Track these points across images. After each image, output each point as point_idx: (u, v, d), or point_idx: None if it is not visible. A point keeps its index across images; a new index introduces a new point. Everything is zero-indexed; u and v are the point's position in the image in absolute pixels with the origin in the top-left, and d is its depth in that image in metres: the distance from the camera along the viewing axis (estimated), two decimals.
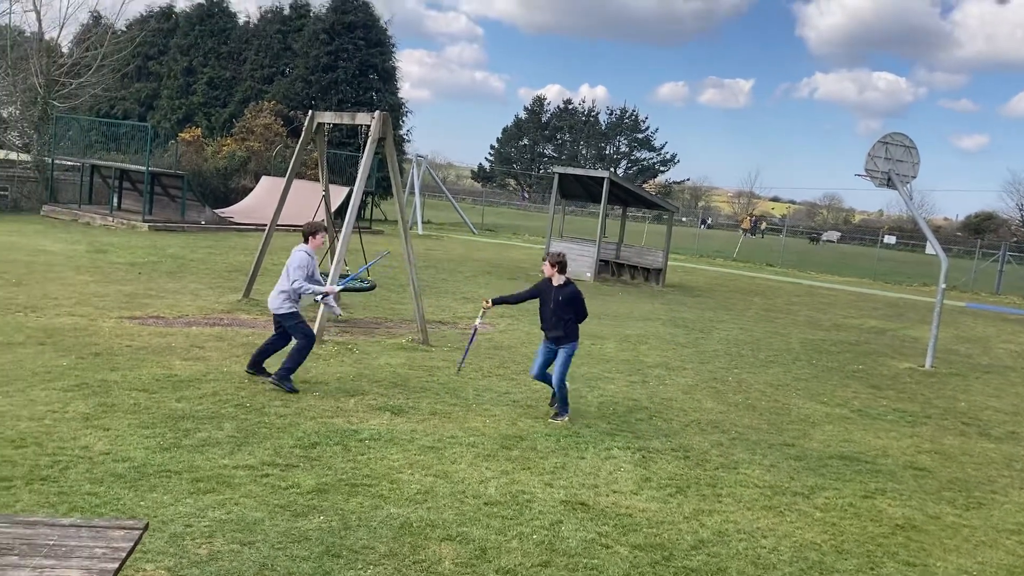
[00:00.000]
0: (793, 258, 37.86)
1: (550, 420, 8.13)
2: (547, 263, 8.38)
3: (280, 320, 8.40)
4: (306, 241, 8.60)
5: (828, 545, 5.83)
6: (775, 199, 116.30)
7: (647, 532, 5.71)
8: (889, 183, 13.83)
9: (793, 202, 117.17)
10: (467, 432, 7.50)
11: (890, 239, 66.43)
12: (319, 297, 8.80)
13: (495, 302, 8.70)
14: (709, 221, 75.28)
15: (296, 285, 8.29)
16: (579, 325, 8.45)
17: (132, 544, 3.48)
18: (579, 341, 8.45)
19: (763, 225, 65.51)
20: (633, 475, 6.82)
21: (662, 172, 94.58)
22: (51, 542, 3.38)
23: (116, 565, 3.29)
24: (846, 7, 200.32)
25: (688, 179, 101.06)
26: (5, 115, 29.20)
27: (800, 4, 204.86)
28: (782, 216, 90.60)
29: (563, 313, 8.23)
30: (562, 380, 8.19)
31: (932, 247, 14.42)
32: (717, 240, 48.80)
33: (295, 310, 8.39)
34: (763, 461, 7.57)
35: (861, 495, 6.92)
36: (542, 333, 8.45)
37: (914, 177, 14.20)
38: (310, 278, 8.43)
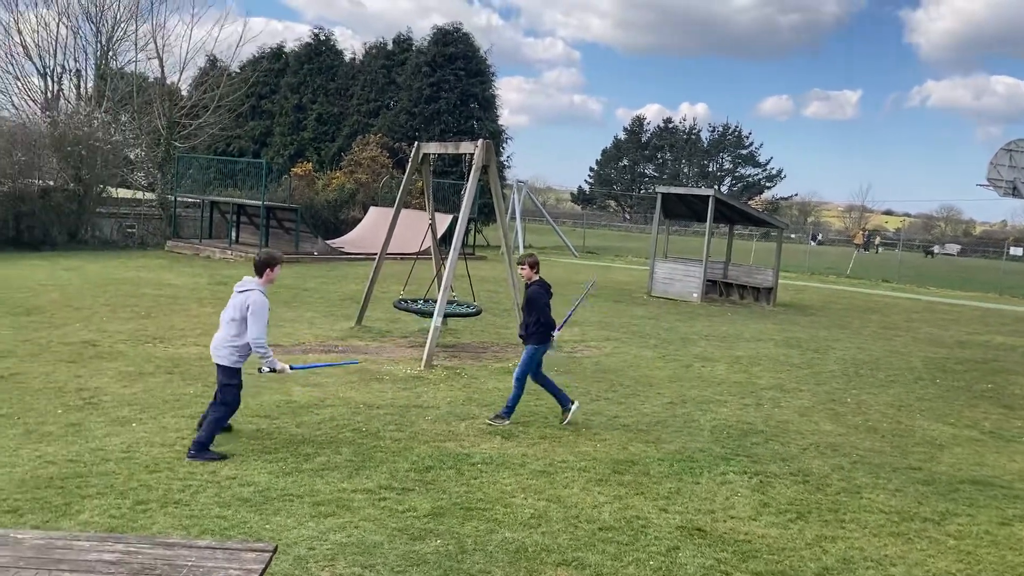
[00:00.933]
0: (910, 273, 36.40)
1: (487, 420, 8.25)
2: (525, 268, 8.48)
3: (219, 369, 6.96)
4: (260, 274, 7.03)
5: (964, 575, 5.55)
6: (888, 212, 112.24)
7: (767, 559, 5.56)
8: (1015, 192, 13.18)
9: (908, 215, 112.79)
10: (578, 456, 7.48)
11: (1016, 251, 62.99)
12: (266, 369, 7.11)
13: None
14: (820, 237, 73.14)
15: (260, 350, 6.88)
16: (545, 330, 8.32)
17: (263, 566, 3.61)
18: (546, 346, 8.40)
19: (877, 240, 63.11)
20: (751, 500, 6.66)
21: (768, 188, 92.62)
22: (190, 563, 3.54)
23: None
24: (958, 11, 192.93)
25: (796, 194, 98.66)
26: (132, 157, 30.95)
27: (908, 11, 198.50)
28: (896, 230, 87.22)
29: (527, 313, 8.37)
30: (518, 377, 8.33)
31: None
32: (829, 256, 47.38)
33: (240, 367, 6.98)
34: (888, 485, 7.27)
35: (998, 522, 6.56)
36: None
37: None
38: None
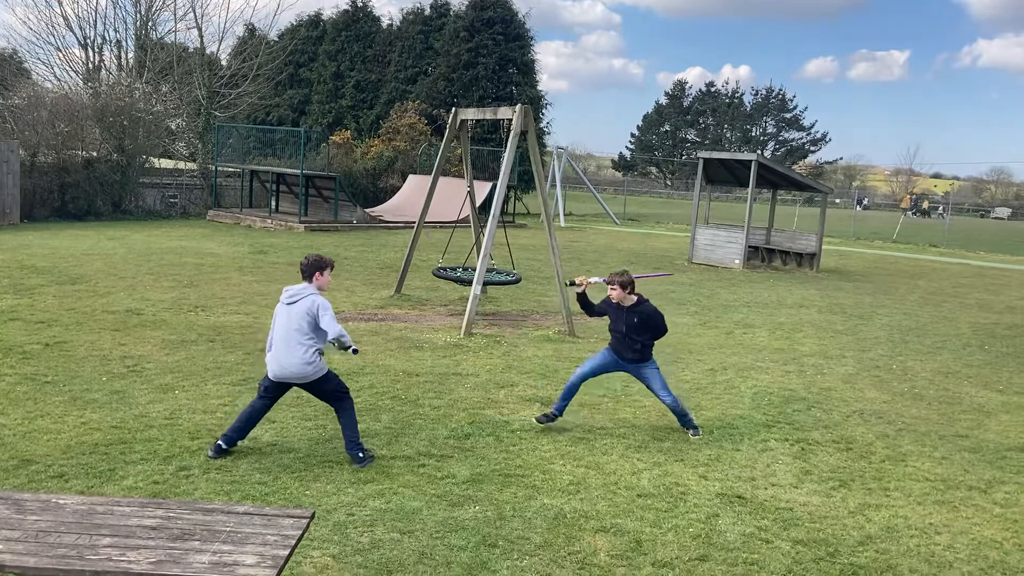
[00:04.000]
0: (959, 238, 35.58)
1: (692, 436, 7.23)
2: (616, 287, 7.11)
3: (314, 386, 6.22)
4: (310, 279, 6.23)
5: (1011, 543, 5.42)
6: (937, 176, 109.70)
7: (809, 527, 5.49)
8: None
9: (957, 178, 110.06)
10: (617, 423, 7.44)
11: None
12: (352, 347, 6.17)
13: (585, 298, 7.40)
14: (865, 201, 71.61)
15: (346, 339, 6.09)
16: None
17: (301, 532, 3.63)
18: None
19: (925, 204, 61.43)
20: (792, 468, 6.57)
21: (812, 152, 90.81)
22: (228, 528, 3.57)
23: (287, 552, 3.43)
24: None
25: (841, 158, 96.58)
26: (173, 127, 31.23)
27: None
28: (945, 193, 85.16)
29: (638, 335, 7.16)
30: (674, 398, 7.30)
31: None
32: (875, 221, 46.49)
33: (328, 369, 6.30)
34: (933, 453, 7.13)
35: None
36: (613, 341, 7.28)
37: None
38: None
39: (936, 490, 6.29)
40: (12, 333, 9.41)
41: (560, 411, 7.25)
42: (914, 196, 65.93)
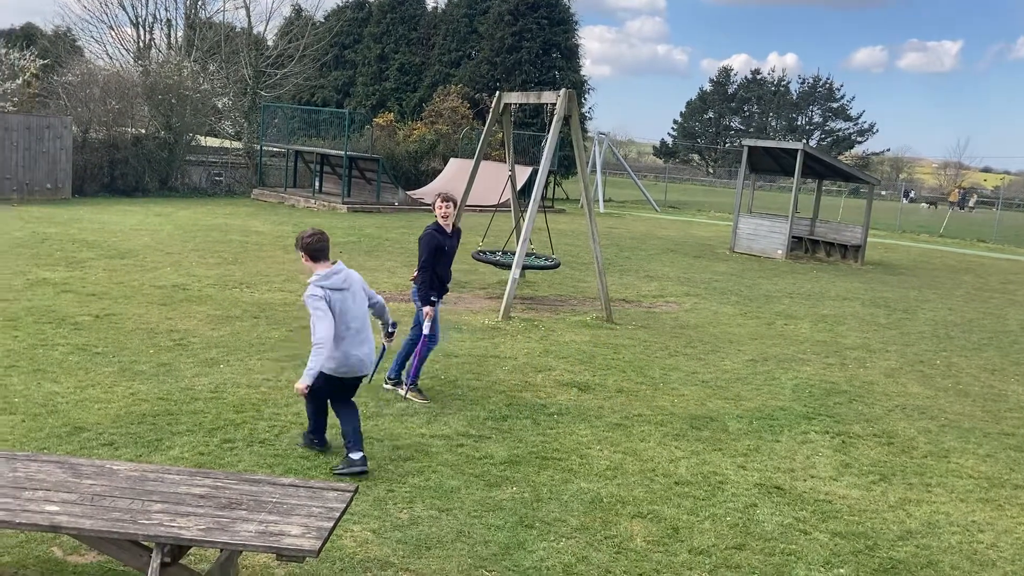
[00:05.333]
0: (1009, 233, 34.80)
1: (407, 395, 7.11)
2: (448, 207, 6.98)
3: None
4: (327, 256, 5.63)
5: None
6: (987, 169, 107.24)
7: (848, 520, 5.46)
8: None
9: (1008, 172, 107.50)
10: (655, 411, 7.43)
11: None
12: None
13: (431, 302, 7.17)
14: (912, 194, 70.26)
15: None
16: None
17: (345, 505, 3.70)
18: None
19: (973, 199, 60.03)
20: (832, 460, 6.53)
21: (859, 143, 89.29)
22: (274, 499, 3.65)
23: (331, 524, 3.50)
24: None
25: (888, 150, 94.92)
26: (220, 106, 31.56)
27: None
28: (995, 188, 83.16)
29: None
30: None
31: None
32: (921, 214, 45.66)
33: None
34: (978, 450, 7.04)
35: None
36: (437, 296, 7.18)
37: None
38: None
39: (980, 487, 6.21)
40: (65, 304, 9.63)
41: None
42: (962, 190, 64.53)
